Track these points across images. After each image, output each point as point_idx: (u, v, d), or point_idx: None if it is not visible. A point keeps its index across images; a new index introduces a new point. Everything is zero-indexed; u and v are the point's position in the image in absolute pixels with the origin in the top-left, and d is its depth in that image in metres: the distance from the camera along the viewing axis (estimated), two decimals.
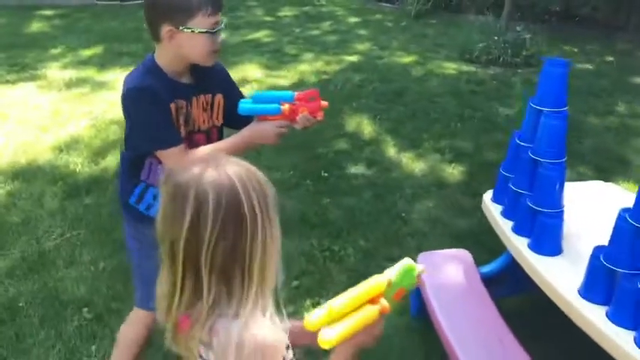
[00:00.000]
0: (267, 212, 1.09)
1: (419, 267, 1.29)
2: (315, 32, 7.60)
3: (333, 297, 2.66)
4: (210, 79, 1.90)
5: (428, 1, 8.22)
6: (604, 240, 1.82)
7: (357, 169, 4.06)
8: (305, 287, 2.89)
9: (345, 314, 1.19)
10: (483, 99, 5.39)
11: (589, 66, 6.52)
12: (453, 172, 4.05)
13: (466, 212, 3.56)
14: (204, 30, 1.73)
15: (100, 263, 3.03)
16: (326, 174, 3.96)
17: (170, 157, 1.78)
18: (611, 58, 6.80)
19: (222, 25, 1.79)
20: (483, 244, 3.14)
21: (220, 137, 1.95)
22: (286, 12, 8.70)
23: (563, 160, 2.05)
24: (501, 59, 6.22)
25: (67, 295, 2.79)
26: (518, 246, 2.16)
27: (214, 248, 1.04)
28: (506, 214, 2.32)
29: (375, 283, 1.26)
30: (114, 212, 3.45)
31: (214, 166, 1.08)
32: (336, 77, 5.85)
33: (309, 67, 6.17)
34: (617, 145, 4.56)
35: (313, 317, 1.16)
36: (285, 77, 5.83)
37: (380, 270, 3.10)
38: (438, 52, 6.76)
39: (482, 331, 2.17)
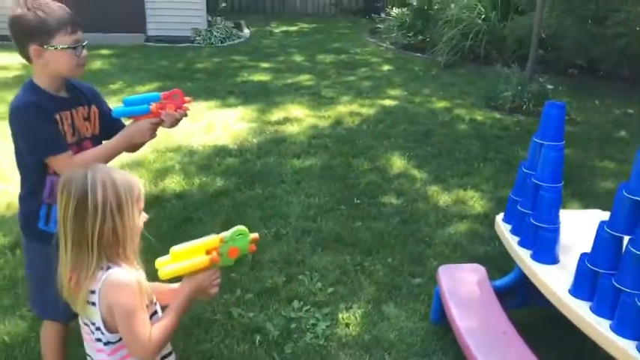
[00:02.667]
0: (128, 205, 1.61)
1: (253, 235, 1.73)
2: (351, 78, 8.19)
3: (363, 303, 3.39)
4: (83, 93, 2.19)
5: (457, 52, 8.76)
6: None
7: (386, 198, 4.51)
8: (339, 294, 3.31)
9: (183, 258, 1.65)
10: (506, 143, 5.82)
11: (608, 116, 6.91)
12: (474, 205, 4.47)
13: (484, 240, 3.96)
14: (66, 46, 2.00)
15: None
16: (358, 201, 4.42)
17: (60, 161, 2.03)
18: (631, 111, 7.17)
19: (85, 42, 2.06)
20: (498, 266, 3.54)
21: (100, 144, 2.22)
22: (324, 59, 9.34)
23: (560, 184, 2.48)
24: (524, 108, 6.67)
25: None
26: (523, 257, 2.58)
27: (92, 227, 1.58)
28: (514, 231, 2.74)
29: (211, 238, 1.70)
30: (172, 225, 3.97)
31: (91, 171, 1.62)
32: (369, 118, 6.38)
33: (344, 108, 6.72)
34: None
35: (159, 259, 1.66)
36: (323, 117, 6.37)
37: (406, 283, 3.68)
38: (465, 100, 7.25)
39: (489, 325, 2.56)
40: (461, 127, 6.23)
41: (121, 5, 10.15)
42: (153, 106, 2.11)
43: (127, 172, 1.70)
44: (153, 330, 1.65)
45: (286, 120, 6.21)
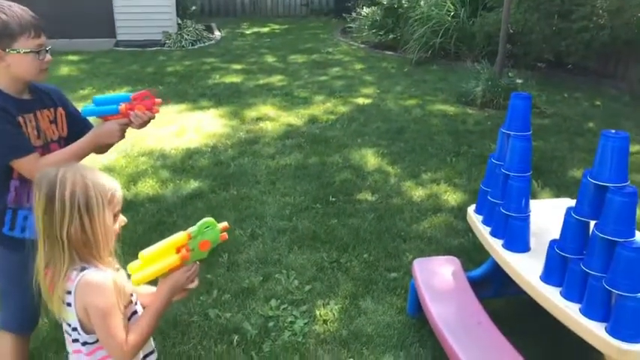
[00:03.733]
0: (99, 206, 1.60)
1: (222, 224, 1.72)
2: (324, 78, 8.20)
3: (340, 299, 3.37)
4: (48, 95, 2.16)
5: (428, 49, 8.84)
6: None
7: (361, 195, 4.53)
8: (316, 291, 3.32)
9: (152, 261, 1.63)
10: (478, 137, 5.89)
11: (577, 109, 7.04)
12: (448, 198, 4.51)
13: (459, 232, 4.01)
14: (29, 50, 1.98)
15: None
16: (334, 199, 4.44)
17: (26, 164, 2.00)
18: (598, 103, 7.32)
19: (48, 47, 2.04)
20: (473, 258, 3.60)
21: None
22: (296, 59, 9.35)
23: (528, 173, 2.52)
24: (495, 102, 6.76)
25: None
26: (495, 246, 2.61)
27: (60, 225, 1.57)
28: (485, 221, 2.78)
29: (178, 236, 1.68)
30: (146, 229, 3.93)
31: (62, 169, 1.62)
32: (342, 117, 6.40)
33: (318, 108, 6.73)
34: None
35: (131, 264, 1.63)
36: (297, 117, 6.37)
37: (382, 278, 3.69)
38: (437, 96, 7.32)
39: (464, 316, 2.60)
40: (433, 123, 6.28)
41: (89, 10, 10.03)
42: (122, 106, 2.09)
43: (105, 175, 1.67)
44: (130, 332, 1.63)
45: (259, 121, 6.20)
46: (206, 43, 10.44)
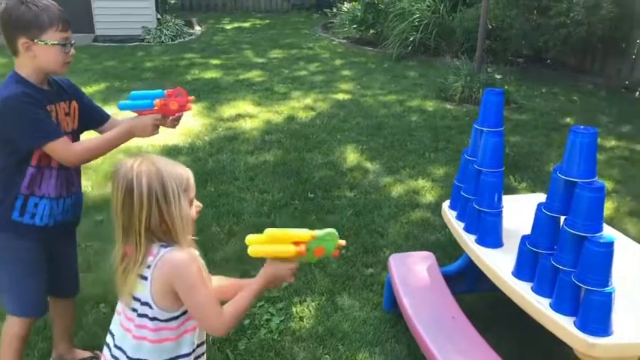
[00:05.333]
0: (175, 195, 1.60)
1: (341, 241, 1.76)
2: (304, 73, 8.19)
3: (317, 295, 3.37)
4: (63, 89, 2.21)
5: (408, 45, 8.86)
6: None
7: (340, 191, 4.53)
8: (293, 288, 3.30)
9: (273, 241, 1.67)
10: (456, 133, 5.93)
11: (555, 104, 7.11)
12: (425, 194, 4.53)
13: (436, 228, 4.03)
14: (56, 42, 2.03)
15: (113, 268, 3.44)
16: (312, 195, 4.43)
17: (58, 147, 2.06)
18: (575, 98, 7.40)
19: (73, 41, 2.10)
20: (449, 253, 3.62)
21: (78, 139, 2.25)
22: (276, 54, 9.31)
23: (501, 169, 2.53)
24: (474, 98, 6.80)
25: (85, 293, 3.17)
26: (468, 242, 2.63)
27: (139, 218, 1.57)
28: (459, 217, 2.80)
29: (304, 232, 1.72)
30: None
31: (137, 161, 1.61)
32: (322, 113, 6.39)
33: (297, 103, 6.71)
34: None
35: (251, 236, 1.68)
36: (276, 113, 6.35)
37: (359, 274, 3.69)
38: (417, 92, 7.34)
39: (438, 311, 2.61)
40: (412, 119, 6.30)
41: (66, 4, 9.64)
42: (157, 101, 2.15)
43: (177, 162, 1.67)
44: (226, 306, 1.65)
45: (238, 117, 6.17)
46: (186, 39, 10.36)
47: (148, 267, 1.60)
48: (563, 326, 2.01)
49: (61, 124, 2.16)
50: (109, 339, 1.76)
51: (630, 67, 8.10)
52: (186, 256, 1.60)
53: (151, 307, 1.62)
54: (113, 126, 2.28)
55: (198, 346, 1.75)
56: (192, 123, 5.93)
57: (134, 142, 5.21)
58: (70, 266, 2.53)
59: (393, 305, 3.00)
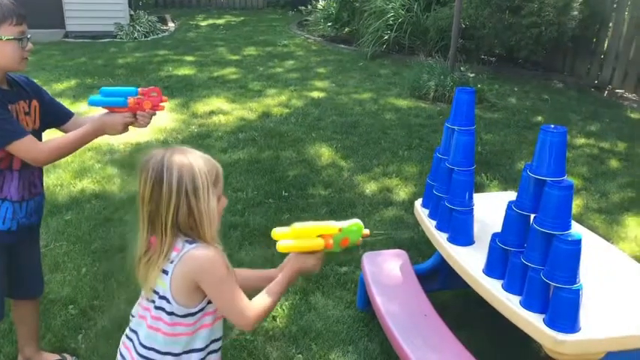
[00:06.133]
0: (204, 189, 1.57)
1: (366, 230, 1.79)
2: (279, 70, 8.15)
3: (290, 294, 3.35)
4: (22, 87, 2.14)
5: (382, 44, 8.89)
6: None
7: (314, 189, 4.52)
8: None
9: (300, 236, 1.68)
10: (430, 131, 5.96)
11: (527, 102, 7.20)
12: (399, 192, 4.55)
13: (409, 226, 4.04)
14: (12, 37, 1.96)
15: (82, 269, 3.38)
16: (286, 194, 4.42)
17: (24, 147, 1.99)
18: (546, 97, 7.51)
19: (29, 35, 2.03)
20: (422, 251, 3.64)
21: (40, 139, 2.17)
22: (251, 51, 9.26)
23: (472, 167, 2.55)
24: (447, 96, 6.85)
25: (53, 295, 3.12)
26: (440, 240, 2.64)
27: (166, 210, 1.55)
28: (431, 215, 2.81)
29: (331, 225, 1.73)
30: (92, 227, 3.83)
31: (168, 153, 1.58)
32: (297, 111, 6.37)
33: (272, 101, 6.68)
34: None
35: (278, 230, 1.67)
36: (250, 110, 6.31)
37: (333, 273, 3.68)
38: (391, 90, 7.37)
39: (410, 308, 2.62)
40: (387, 117, 6.32)
41: None
42: (130, 100, 2.09)
43: (206, 155, 1.63)
44: (255, 299, 1.64)
45: (212, 114, 6.11)
46: (159, 35, 10.24)
47: (171, 262, 1.57)
48: (533, 323, 2.04)
49: (20, 123, 2.08)
50: (130, 322, 1.75)
51: (599, 66, 8.25)
52: (212, 252, 1.58)
53: (169, 302, 1.60)
54: (77, 124, 2.21)
55: (213, 341, 1.72)
56: (165, 120, 5.85)
57: (104, 140, 5.18)
58: (34, 267, 2.46)
59: (367, 304, 3.00)
